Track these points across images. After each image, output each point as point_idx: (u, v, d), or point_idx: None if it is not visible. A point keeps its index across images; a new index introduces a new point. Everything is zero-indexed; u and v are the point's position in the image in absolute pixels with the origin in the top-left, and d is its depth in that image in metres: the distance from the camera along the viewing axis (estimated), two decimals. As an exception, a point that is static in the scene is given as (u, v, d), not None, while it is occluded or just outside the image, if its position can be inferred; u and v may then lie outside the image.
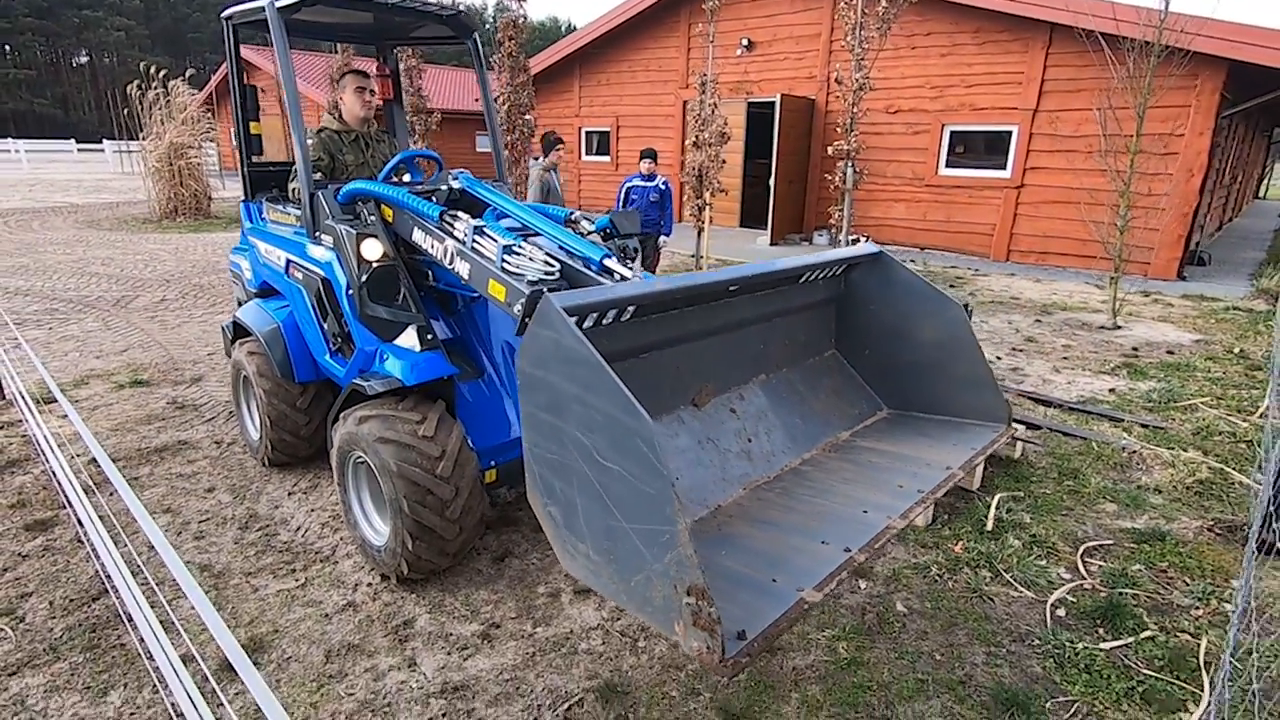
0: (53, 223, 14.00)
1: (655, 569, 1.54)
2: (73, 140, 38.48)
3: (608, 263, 2.47)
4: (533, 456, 1.81)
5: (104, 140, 32.64)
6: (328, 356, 3.28)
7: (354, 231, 2.84)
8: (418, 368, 2.75)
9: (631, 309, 2.14)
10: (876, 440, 2.71)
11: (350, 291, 2.91)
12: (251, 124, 3.69)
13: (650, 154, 7.33)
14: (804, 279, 2.77)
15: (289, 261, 3.40)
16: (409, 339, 2.83)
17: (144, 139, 14.64)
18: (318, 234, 3.15)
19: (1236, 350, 6.37)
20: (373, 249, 2.83)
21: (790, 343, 2.88)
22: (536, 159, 7.15)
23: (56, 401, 4.32)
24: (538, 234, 2.77)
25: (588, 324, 2.04)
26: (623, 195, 7.35)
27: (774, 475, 2.46)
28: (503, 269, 2.36)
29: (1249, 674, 2.08)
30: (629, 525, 1.59)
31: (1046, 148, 10.47)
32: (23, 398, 4.22)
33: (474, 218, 2.64)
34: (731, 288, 2.46)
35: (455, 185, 3.08)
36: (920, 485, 2.28)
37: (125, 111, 14.92)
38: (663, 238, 7.47)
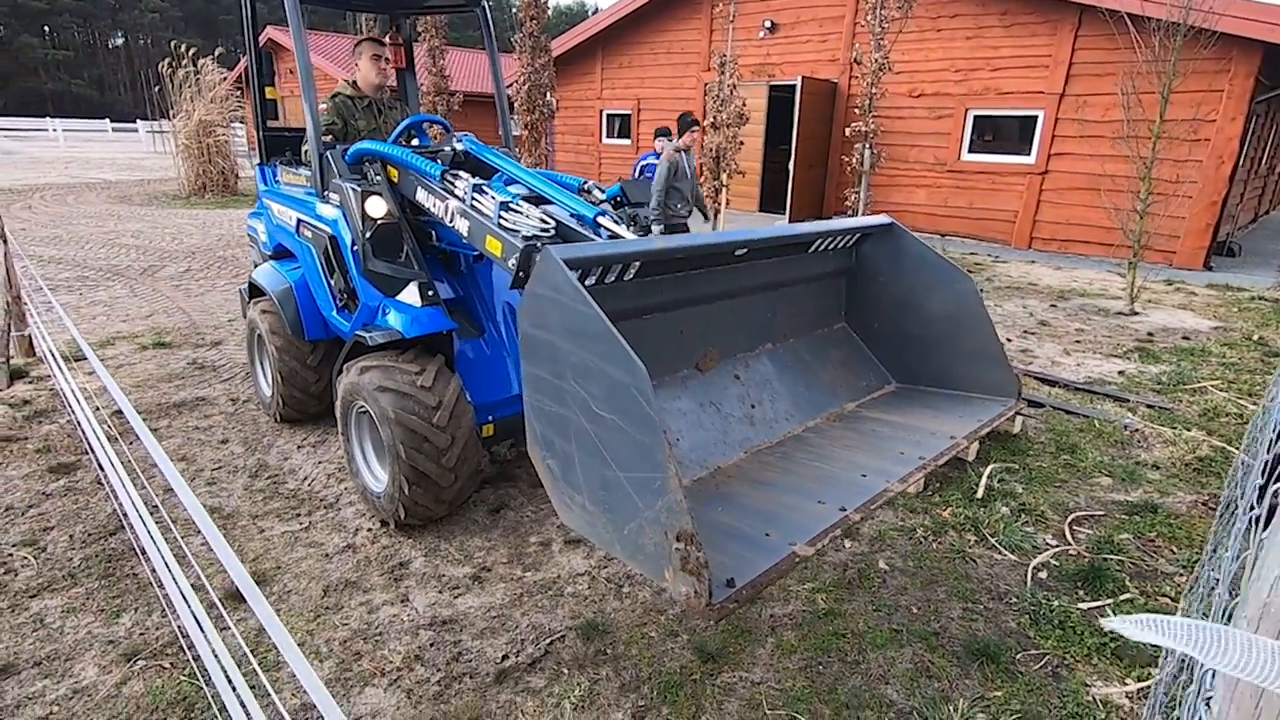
0: (86, 198, 14.39)
1: (647, 516, 1.56)
2: (107, 120, 39.31)
3: (601, 220, 2.54)
4: (533, 411, 1.84)
5: (138, 120, 33.32)
6: (334, 312, 3.39)
7: (359, 189, 2.93)
8: (418, 321, 2.85)
9: (635, 268, 2.15)
10: (882, 411, 2.68)
11: (355, 247, 3.01)
12: (267, 89, 3.81)
13: (665, 132, 7.34)
14: (814, 248, 2.75)
15: (300, 221, 3.52)
16: (411, 295, 2.92)
17: (174, 117, 14.96)
18: (326, 193, 3.25)
19: (1255, 337, 6.26)
20: (377, 206, 2.92)
21: (799, 313, 2.87)
22: (669, 138, 6.88)
23: (83, 360, 4.52)
24: (543, 198, 2.83)
25: (590, 281, 2.05)
26: (636, 172, 7.40)
27: (776, 441, 2.45)
28: (499, 225, 2.43)
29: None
30: (622, 474, 1.61)
31: (1073, 133, 10.28)
32: (53, 355, 4.41)
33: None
34: (739, 251, 2.44)
35: (459, 147, 3.17)
36: (922, 453, 2.26)
37: (157, 91, 15.25)
38: (676, 216, 7.49)
